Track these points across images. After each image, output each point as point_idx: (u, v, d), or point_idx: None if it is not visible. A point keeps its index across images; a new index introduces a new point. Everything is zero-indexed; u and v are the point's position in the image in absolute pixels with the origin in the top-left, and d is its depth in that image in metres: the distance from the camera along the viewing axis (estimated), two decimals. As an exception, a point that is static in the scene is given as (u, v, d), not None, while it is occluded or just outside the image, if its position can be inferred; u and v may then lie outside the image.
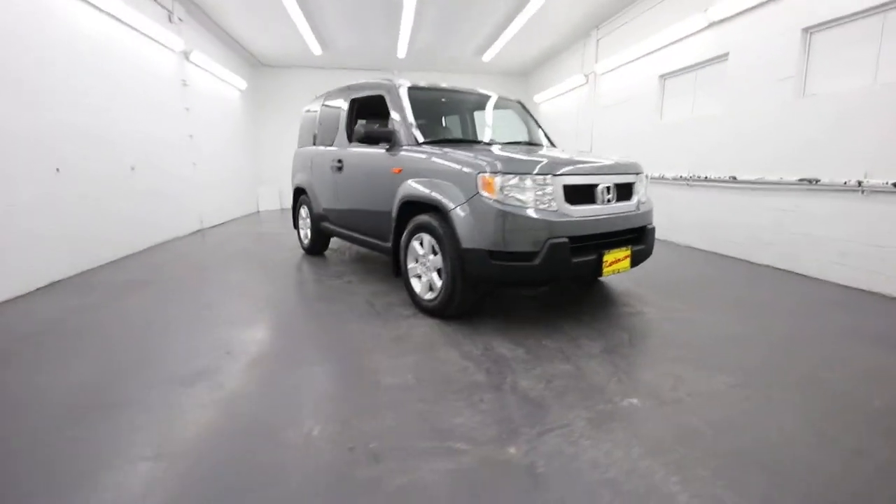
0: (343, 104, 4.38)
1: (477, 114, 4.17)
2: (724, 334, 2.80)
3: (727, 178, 5.01)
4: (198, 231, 7.15)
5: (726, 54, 5.07)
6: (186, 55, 6.74)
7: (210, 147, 7.83)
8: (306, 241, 5.28)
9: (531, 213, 2.61)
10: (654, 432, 1.75)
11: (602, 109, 7.66)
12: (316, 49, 8.82)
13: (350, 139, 4.23)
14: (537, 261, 2.61)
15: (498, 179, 2.63)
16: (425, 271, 3.12)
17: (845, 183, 3.77)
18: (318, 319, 3.11)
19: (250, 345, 2.64)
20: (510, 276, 2.68)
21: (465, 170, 2.76)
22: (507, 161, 2.69)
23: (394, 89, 3.59)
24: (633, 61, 6.81)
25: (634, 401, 1.99)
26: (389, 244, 3.55)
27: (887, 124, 3.50)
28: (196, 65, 7.09)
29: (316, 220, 4.89)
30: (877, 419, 1.86)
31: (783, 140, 4.39)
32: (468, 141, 3.60)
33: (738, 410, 1.93)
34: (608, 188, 2.93)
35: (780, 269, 4.42)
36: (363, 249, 5.72)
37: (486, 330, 2.84)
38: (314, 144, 4.94)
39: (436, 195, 2.88)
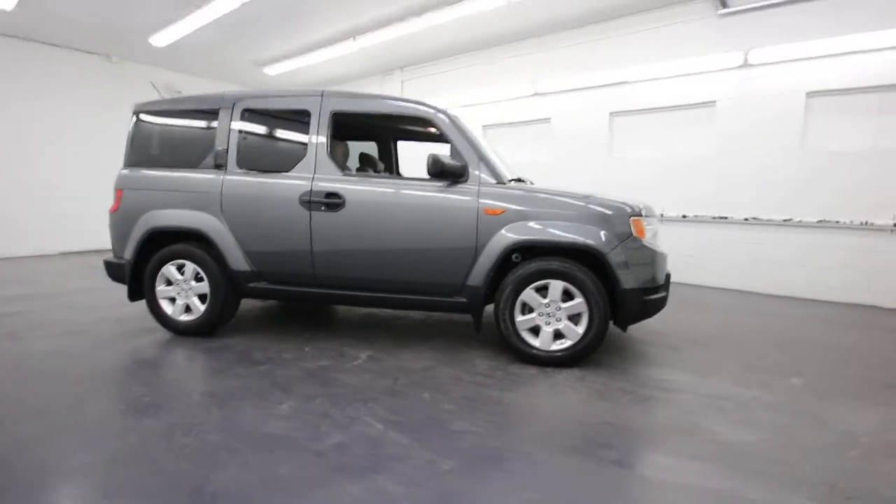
0: (308, 118, 3.20)
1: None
2: (708, 327, 4.02)
3: (560, 211, 6.64)
4: None
5: (549, 118, 6.72)
6: None
7: None
8: (190, 317, 3.34)
9: (663, 249, 3.01)
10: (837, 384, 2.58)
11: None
12: (6, 1, 5.31)
13: (342, 167, 3.17)
14: (665, 292, 3.02)
15: (643, 222, 2.88)
16: (550, 321, 2.88)
17: (652, 215, 5.90)
18: (487, 416, 2.31)
19: None
20: (652, 309, 2.96)
21: (615, 213, 2.84)
22: (645, 206, 3.00)
23: (452, 117, 3.06)
24: (455, 108, 7.72)
25: (795, 380, 2.77)
26: (461, 297, 3.00)
27: (669, 181, 5.76)
28: None
29: (234, 280, 3.26)
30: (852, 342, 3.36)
31: (602, 185, 6.28)
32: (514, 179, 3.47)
33: (817, 354, 3.01)
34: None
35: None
36: (268, 310, 4.09)
37: (613, 364, 2.97)
38: (216, 167, 3.28)
39: (586, 240, 2.78)
